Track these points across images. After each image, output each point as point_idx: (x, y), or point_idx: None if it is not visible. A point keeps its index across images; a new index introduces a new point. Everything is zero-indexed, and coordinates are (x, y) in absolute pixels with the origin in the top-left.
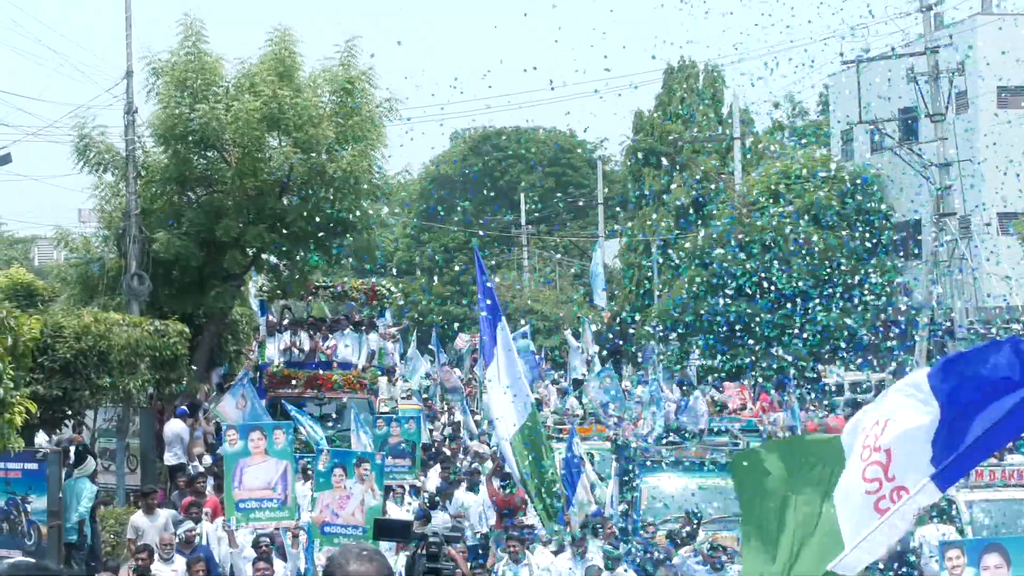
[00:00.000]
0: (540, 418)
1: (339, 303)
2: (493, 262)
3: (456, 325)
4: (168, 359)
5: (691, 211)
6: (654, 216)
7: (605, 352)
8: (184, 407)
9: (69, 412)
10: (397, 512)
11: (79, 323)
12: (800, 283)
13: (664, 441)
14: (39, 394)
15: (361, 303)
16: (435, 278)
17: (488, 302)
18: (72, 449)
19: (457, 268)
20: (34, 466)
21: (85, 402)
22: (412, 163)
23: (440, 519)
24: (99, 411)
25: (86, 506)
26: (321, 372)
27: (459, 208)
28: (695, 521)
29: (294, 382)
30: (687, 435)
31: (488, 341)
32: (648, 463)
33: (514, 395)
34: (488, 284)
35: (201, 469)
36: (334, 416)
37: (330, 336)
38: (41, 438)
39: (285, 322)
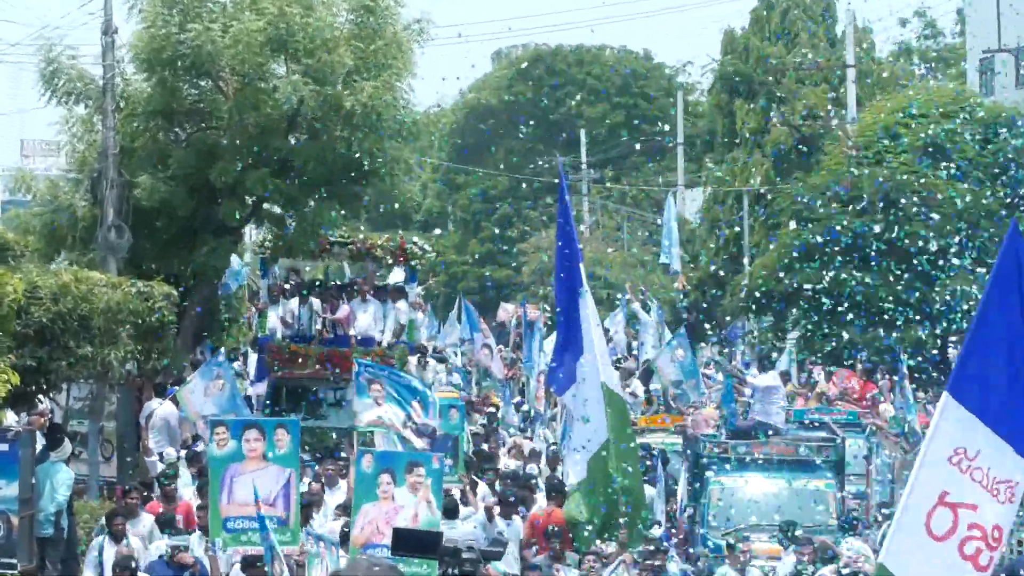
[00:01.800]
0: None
1: (358, 263)
2: (544, 217)
3: (497, 292)
4: (152, 327)
5: (792, 155)
6: (747, 161)
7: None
8: (174, 387)
9: (45, 386)
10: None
11: (56, 282)
12: (929, 244)
13: (733, 434)
14: (11, 364)
15: (386, 263)
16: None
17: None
18: (37, 432)
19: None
20: (3, 447)
21: (62, 374)
22: (445, 93)
23: (463, 530)
24: (71, 388)
25: (64, 495)
26: (337, 349)
27: (503, 147)
28: (788, 534)
29: (302, 361)
30: (761, 431)
31: (566, 318)
32: (719, 460)
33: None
34: (569, 229)
35: (171, 458)
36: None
37: (347, 304)
38: (8, 417)
39: (290, 286)
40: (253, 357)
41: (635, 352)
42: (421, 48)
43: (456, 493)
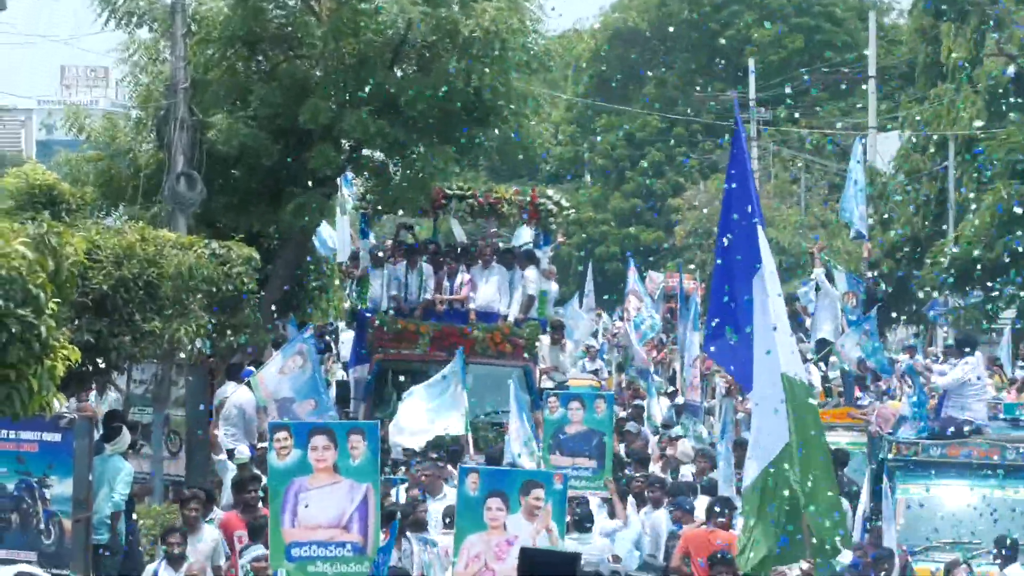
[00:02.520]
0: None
1: (480, 222)
2: (703, 166)
3: (643, 258)
4: (229, 297)
5: (1012, 92)
6: (955, 99)
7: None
8: (251, 368)
9: (103, 365)
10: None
11: (120, 242)
12: None
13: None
14: (69, 339)
15: (514, 222)
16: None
17: (744, 212)
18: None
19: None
20: (55, 437)
21: (125, 352)
22: (582, 14)
23: (598, 545)
24: (131, 369)
25: (122, 494)
26: (455, 326)
27: (652, 79)
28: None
29: (412, 340)
30: (960, 429)
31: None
32: (907, 464)
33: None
34: (744, 181)
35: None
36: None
37: (466, 272)
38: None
39: (397, 248)
40: (347, 335)
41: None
42: None
43: (594, 503)
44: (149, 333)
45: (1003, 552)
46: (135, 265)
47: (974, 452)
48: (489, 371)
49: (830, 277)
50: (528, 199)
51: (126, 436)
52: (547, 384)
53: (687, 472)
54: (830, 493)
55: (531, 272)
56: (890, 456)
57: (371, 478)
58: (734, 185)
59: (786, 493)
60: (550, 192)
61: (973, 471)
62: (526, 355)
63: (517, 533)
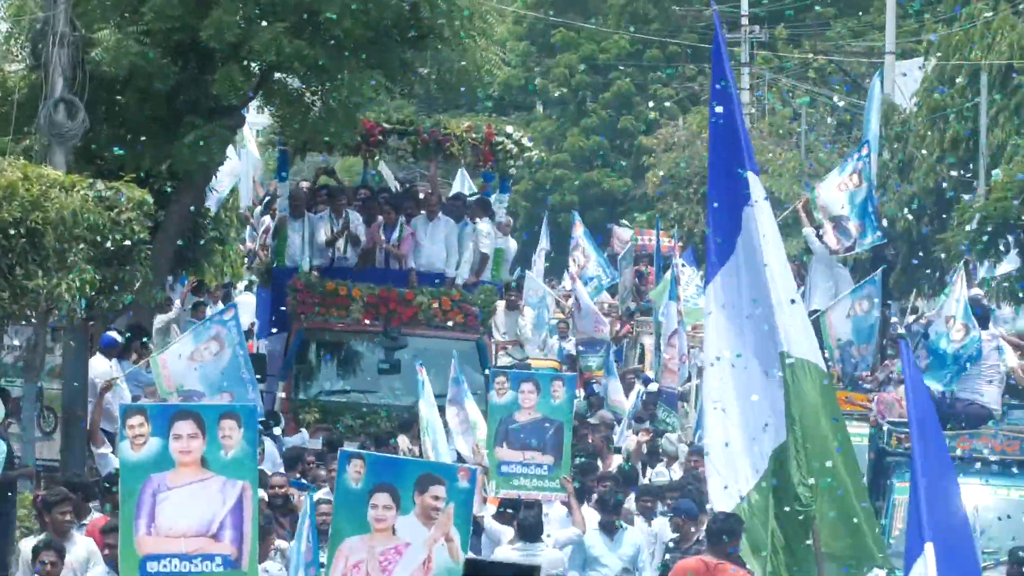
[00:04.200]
0: None
1: (420, 163)
2: (682, 96)
3: (608, 208)
4: (118, 248)
5: None
6: (989, 19)
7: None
8: (112, 335)
9: None
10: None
11: (1, 181)
12: None
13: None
14: None
15: (466, 163)
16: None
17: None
18: None
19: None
20: None
21: (4, 310)
22: None
23: (549, 557)
24: (2, 332)
25: None
26: (394, 289)
27: None
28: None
29: (343, 305)
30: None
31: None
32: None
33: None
34: (730, 105)
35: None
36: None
37: (406, 224)
38: None
39: (318, 191)
40: (245, 298)
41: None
42: None
43: (556, 506)
44: (31, 289)
45: (1020, 569)
46: (16, 208)
47: (986, 444)
48: (435, 345)
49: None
50: (483, 136)
51: None
52: (505, 361)
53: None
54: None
55: (485, 225)
56: (891, 449)
57: (248, 474)
58: (721, 119)
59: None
60: (509, 129)
61: (985, 467)
62: (480, 326)
63: (408, 539)
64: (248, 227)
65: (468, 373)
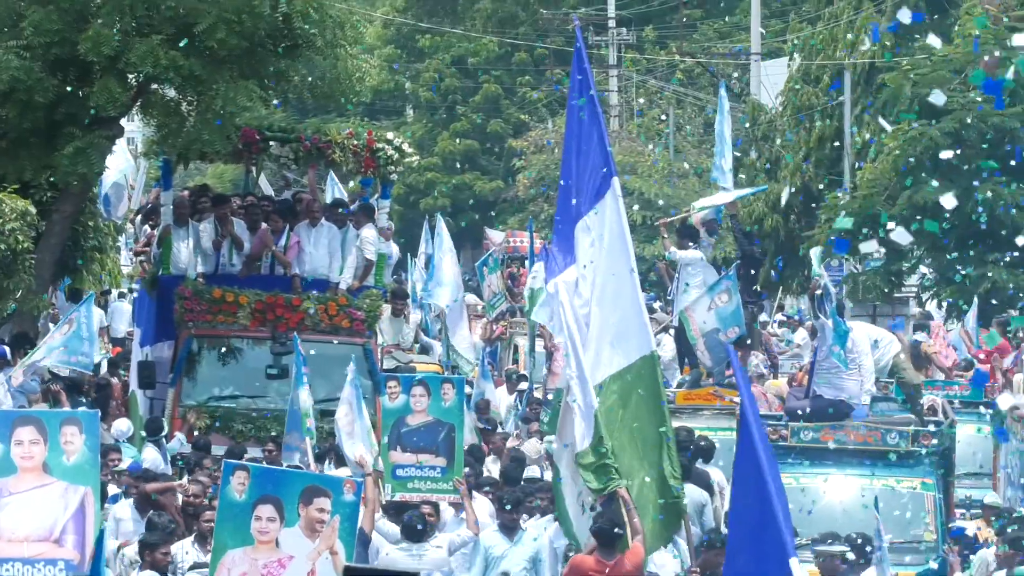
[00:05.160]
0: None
1: (298, 170)
2: (552, 101)
3: (480, 212)
4: (2, 258)
5: (922, 11)
6: (853, 19)
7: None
8: (1, 345)
9: None
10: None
11: None
12: None
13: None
14: None
15: (348, 169)
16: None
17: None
18: None
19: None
20: None
21: None
22: None
23: (433, 559)
24: None
25: None
26: (281, 295)
27: None
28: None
29: (230, 311)
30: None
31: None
32: (777, 452)
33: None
34: (590, 108)
35: None
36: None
37: (288, 230)
38: None
39: (203, 202)
40: (120, 305)
41: (671, 298)
42: None
43: (445, 508)
44: None
45: (860, 556)
46: None
47: (849, 437)
48: (323, 350)
49: (693, 236)
50: (364, 143)
51: None
52: (388, 364)
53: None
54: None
55: (369, 232)
56: None
57: (90, 480)
58: (580, 122)
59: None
60: (390, 135)
61: (847, 458)
62: (366, 331)
63: (292, 552)
64: (124, 235)
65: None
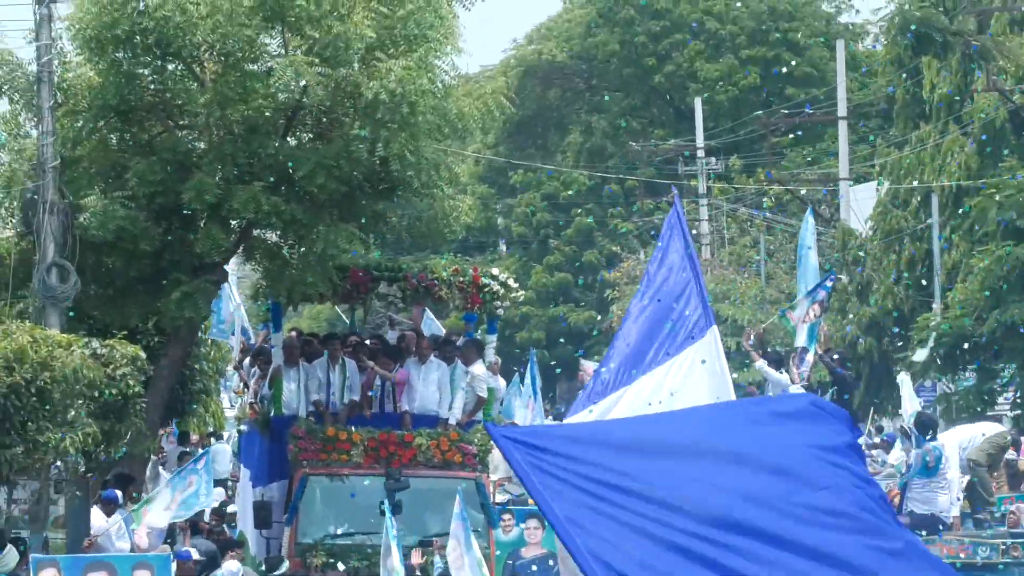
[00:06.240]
0: None
1: (403, 308)
2: (643, 231)
3: (574, 344)
4: (114, 402)
5: (1008, 133)
6: (939, 143)
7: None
8: (113, 490)
9: None
10: None
11: (11, 345)
12: None
13: None
14: None
15: (454, 305)
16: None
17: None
18: None
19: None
20: None
21: (18, 464)
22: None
23: None
24: (12, 486)
25: None
26: (393, 432)
27: (576, 127)
28: None
29: (345, 450)
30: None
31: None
32: None
33: None
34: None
35: None
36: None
37: (400, 367)
38: None
39: (308, 340)
40: (221, 447)
41: None
42: (468, 8)
43: None
44: (43, 443)
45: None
46: (27, 370)
47: (943, 551)
48: (436, 484)
49: (780, 362)
50: (470, 279)
51: (13, 553)
52: (501, 498)
53: None
54: None
55: (479, 368)
56: None
57: None
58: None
59: None
60: (495, 271)
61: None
62: (478, 464)
63: None
64: (236, 376)
65: (468, 512)
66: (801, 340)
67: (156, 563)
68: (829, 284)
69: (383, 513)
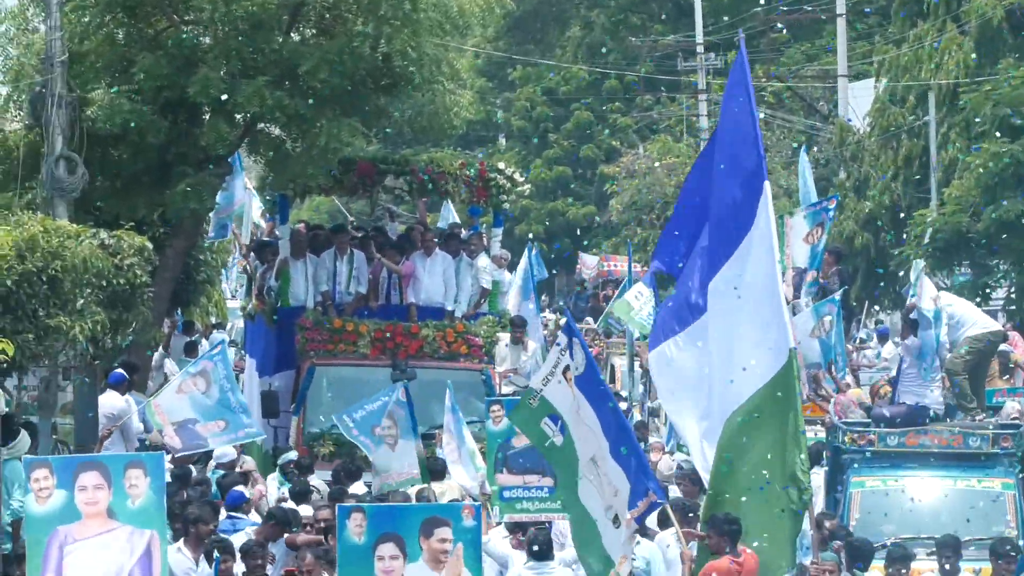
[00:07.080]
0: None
1: (408, 200)
2: (643, 126)
3: (573, 238)
4: (122, 292)
5: (1005, 33)
6: (937, 42)
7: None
8: (120, 371)
9: (4, 365)
10: None
11: (22, 235)
12: None
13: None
14: None
15: (460, 199)
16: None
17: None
18: None
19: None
20: None
21: (31, 350)
22: None
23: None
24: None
25: (21, 500)
26: (400, 323)
27: (577, 22)
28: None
29: (351, 341)
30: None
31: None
32: (863, 455)
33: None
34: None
35: None
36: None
37: (407, 259)
38: None
39: (315, 232)
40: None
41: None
42: None
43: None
44: (55, 330)
45: (945, 555)
46: (39, 259)
47: (933, 440)
48: (443, 376)
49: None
50: (476, 173)
51: (25, 439)
52: (507, 390)
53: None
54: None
55: (483, 260)
56: (846, 447)
57: (156, 524)
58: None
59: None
60: (501, 165)
61: (932, 460)
62: (484, 356)
63: None
64: (226, 269)
65: (474, 403)
66: (802, 261)
67: (149, 462)
68: (832, 206)
69: None
